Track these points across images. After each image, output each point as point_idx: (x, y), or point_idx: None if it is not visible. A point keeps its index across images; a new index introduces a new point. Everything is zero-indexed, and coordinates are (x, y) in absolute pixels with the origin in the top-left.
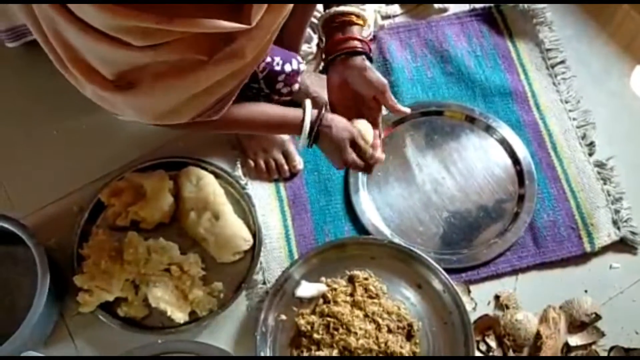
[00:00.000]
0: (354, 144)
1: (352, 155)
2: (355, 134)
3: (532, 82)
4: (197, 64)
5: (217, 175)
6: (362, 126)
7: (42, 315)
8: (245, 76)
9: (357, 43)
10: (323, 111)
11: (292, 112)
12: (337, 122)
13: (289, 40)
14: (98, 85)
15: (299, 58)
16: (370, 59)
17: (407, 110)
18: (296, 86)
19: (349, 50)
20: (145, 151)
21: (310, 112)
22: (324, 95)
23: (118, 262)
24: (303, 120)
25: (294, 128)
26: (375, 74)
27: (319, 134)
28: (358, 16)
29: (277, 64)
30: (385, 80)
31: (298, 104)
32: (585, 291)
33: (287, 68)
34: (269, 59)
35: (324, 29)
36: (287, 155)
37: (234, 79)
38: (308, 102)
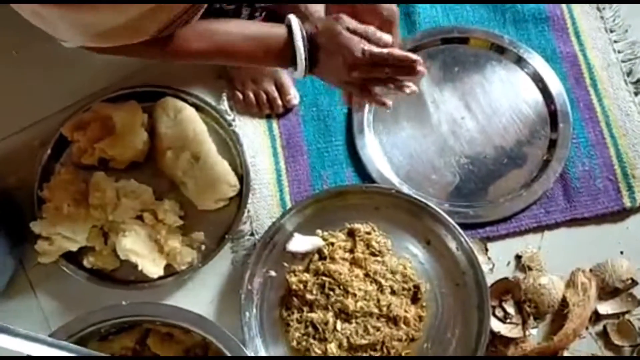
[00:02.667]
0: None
1: (366, 45)
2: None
3: (572, 6)
4: None
5: (198, 109)
6: None
7: None
8: None
9: None
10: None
11: (276, 28)
12: (326, 22)
13: None
14: None
15: None
16: None
17: (419, 59)
18: None
19: None
20: (116, 79)
21: (298, 24)
22: (323, 14)
23: (83, 207)
24: (291, 33)
25: (280, 50)
26: None
27: (316, 46)
28: None
29: None
30: (396, 9)
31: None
32: (621, 252)
33: None
34: None
35: None
36: (280, 87)
37: None
38: (292, 16)
